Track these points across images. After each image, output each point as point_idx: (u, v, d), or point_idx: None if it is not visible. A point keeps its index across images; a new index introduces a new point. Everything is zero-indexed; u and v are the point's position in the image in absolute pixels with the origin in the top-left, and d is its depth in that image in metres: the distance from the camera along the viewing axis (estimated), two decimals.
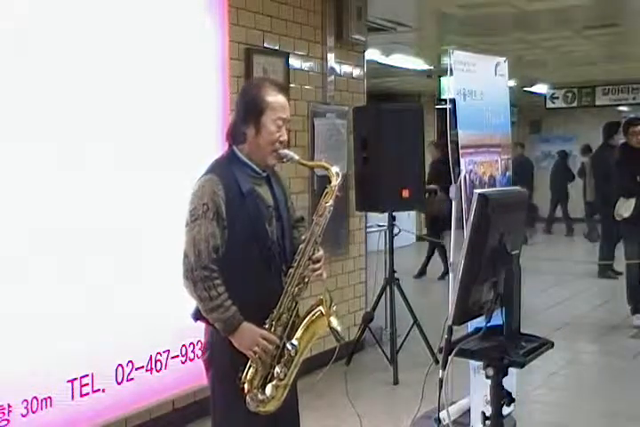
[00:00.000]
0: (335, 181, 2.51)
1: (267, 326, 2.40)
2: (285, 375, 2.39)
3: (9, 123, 2.91)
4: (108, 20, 3.32)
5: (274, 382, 2.38)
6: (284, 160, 2.51)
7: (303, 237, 2.50)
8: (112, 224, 3.34)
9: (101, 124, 3.31)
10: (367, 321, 5.24)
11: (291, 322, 2.43)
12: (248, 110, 2.46)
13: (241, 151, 2.49)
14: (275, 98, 2.45)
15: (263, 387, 2.38)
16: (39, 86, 3.03)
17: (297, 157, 2.53)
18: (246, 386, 2.37)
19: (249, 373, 2.38)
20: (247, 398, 2.37)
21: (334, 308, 2.48)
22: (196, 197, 2.38)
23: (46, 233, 3.05)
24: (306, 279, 2.46)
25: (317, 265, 2.48)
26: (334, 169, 2.54)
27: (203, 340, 2.55)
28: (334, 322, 2.46)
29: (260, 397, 2.38)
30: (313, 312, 2.47)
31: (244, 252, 2.41)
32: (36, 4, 3.03)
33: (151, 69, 3.56)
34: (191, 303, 2.47)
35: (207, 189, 2.37)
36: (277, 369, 2.39)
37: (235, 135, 2.50)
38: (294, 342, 2.41)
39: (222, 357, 2.43)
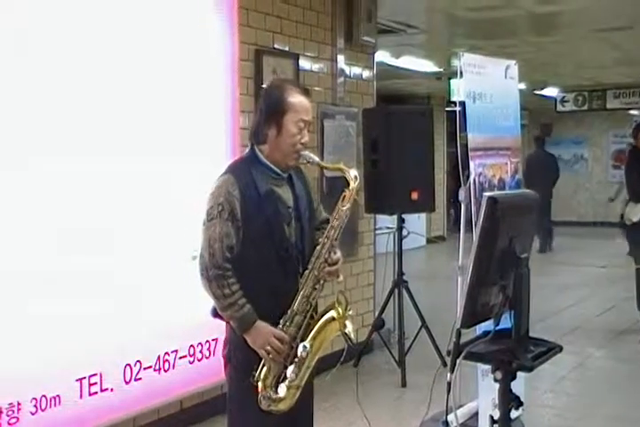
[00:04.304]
0: (353, 184, 2.51)
1: (280, 327, 2.41)
2: (297, 376, 2.40)
3: (9, 123, 2.92)
4: (117, 22, 3.34)
5: (286, 383, 2.40)
6: (305, 162, 2.52)
7: (319, 240, 2.50)
8: (119, 223, 3.35)
9: (109, 125, 3.31)
10: (378, 327, 5.23)
11: (305, 323, 2.44)
12: (270, 111, 2.47)
13: (262, 152, 2.50)
14: (297, 99, 2.46)
15: (276, 386, 2.40)
16: (40, 87, 3.02)
17: (317, 159, 2.54)
18: (260, 384, 2.39)
19: (263, 371, 2.40)
20: (260, 396, 2.39)
21: (350, 311, 2.48)
22: (212, 197, 2.41)
23: (53, 234, 3.06)
24: (321, 281, 2.47)
25: (334, 268, 2.49)
26: (352, 172, 2.53)
27: (223, 336, 2.57)
28: (349, 326, 2.47)
29: (272, 396, 2.39)
30: (326, 316, 2.48)
31: (259, 252, 2.42)
32: (35, 4, 3.02)
33: (160, 70, 3.57)
34: (201, 303, 2.49)
35: (223, 190, 2.40)
36: (290, 370, 2.40)
37: (257, 136, 2.51)
38: (307, 343, 2.41)
39: (239, 354, 2.46)
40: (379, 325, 5.25)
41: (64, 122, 3.12)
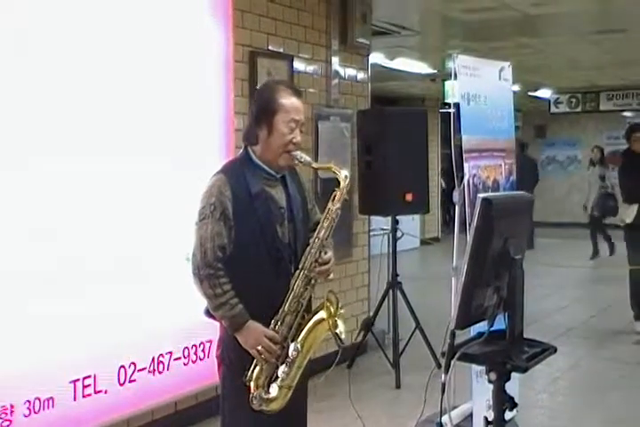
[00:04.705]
0: (343, 184, 2.52)
1: (272, 327, 2.42)
2: (288, 376, 2.41)
3: (9, 123, 2.91)
4: (114, 24, 3.33)
5: (277, 382, 2.40)
6: (297, 162, 2.52)
7: (310, 240, 2.50)
8: (115, 225, 3.35)
9: (107, 125, 3.31)
10: (367, 326, 5.24)
11: (296, 323, 2.44)
12: (261, 112, 2.48)
13: (254, 153, 2.51)
14: (288, 100, 2.47)
15: (268, 386, 2.40)
16: (40, 87, 3.02)
17: (309, 159, 2.53)
18: (252, 384, 2.40)
19: (255, 371, 2.41)
20: (251, 396, 2.39)
21: (342, 311, 2.48)
22: (204, 197, 2.43)
23: (50, 234, 3.06)
24: (312, 281, 2.47)
25: (324, 267, 2.49)
26: (343, 172, 2.54)
27: (217, 336, 2.58)
28: (340, 326, 2.46)
29: (264, 396, 2.40)
30: (317, 316, 2.48)
31: (251, 252, 2.43)
32: (35, 4, 3.02)
33: (154, 71, 3.57)
34: (196, 304, 2.50)
35: (215, 190, 2.41)
36: (281, 370, 2.40)
37: (249, 136, 2.53)
38: (298, 343, 2.42)
39: (232, 354, 2.47)
40: (368, 324, 5.26)
41: (64, 122, 3.11)
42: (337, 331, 2.46)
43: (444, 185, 13.58)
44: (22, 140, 2.96)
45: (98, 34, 3.25)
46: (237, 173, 2.47)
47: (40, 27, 3.01)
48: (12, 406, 2.92)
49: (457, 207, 3.85)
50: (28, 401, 2.98)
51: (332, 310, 2.47)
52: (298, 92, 2.55)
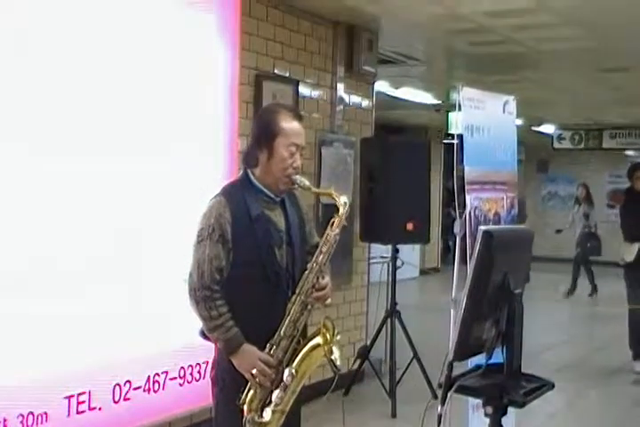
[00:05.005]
0: (342, 211, 2.52)
1: (267, 350, 2.41)
2: (282, 401, 2.39)
3: (8, 123, 2.91)
4: (116, 32, 3.33)
5: (271, 407, 2.39)
6: (296, 186, 2.53)
7: (308, 265, 2.50)
8: (114, 239, 3.33)
9: (105, 132, 3.30)
10: (363, 354, 5.21)
11: (291, 348, 2.43)
12: (261, 135, 2.50)
13: (254, 175, 2.52)
14: (289, 124, 2.48)
15: (261, 410, 2.39)
16: (40, 88, 3.02)
17: (308, 184, 2.54)
18: (245, 407, 2.38)
19: (249, 394, 2.39)
20: (245, 419, 2.38)
21: (338, 337, 2.47)
22: (203, 219, 2.44)
23: (44, 250, 3.04)
24: (308, 307, 2.46)
25: (321, 293, 2.48)
26: (342, 199, 2.55)
27: (211, 357, 2.57)
28: (336, 353, 2.45)
29: (257, 420, 2.38)
30: (312, 341, 2.47)
31: (249, 275, 2.43)
32: (35, 4, 3.02)
33: (161, 91, 3.59)
34: (193, 325, 2.49)
35: (214, 212, 2.42)
36: (275, 394, 2.39)
37: (248, 159, 2.55)
38: (293, 368, 2.41)
39: (227, 376, 2.45)
40: (364, 352, 5.22)
41: (64, 122, 3.11)
42: (332, 357, 2.45)
43: (454, 214, 13.56)
44: (22, 140, 2.96)
45: (103, 42, 3.26)
46: (237, 195, 2.47)
47: (40, 27, 3.02)
48: (4, 420, 2.89)
49: (458, 239, 3.84)
50: (22, 415, 2.95)
51: (328, 336, 2.46)
52: (299, 116, 2.56)
